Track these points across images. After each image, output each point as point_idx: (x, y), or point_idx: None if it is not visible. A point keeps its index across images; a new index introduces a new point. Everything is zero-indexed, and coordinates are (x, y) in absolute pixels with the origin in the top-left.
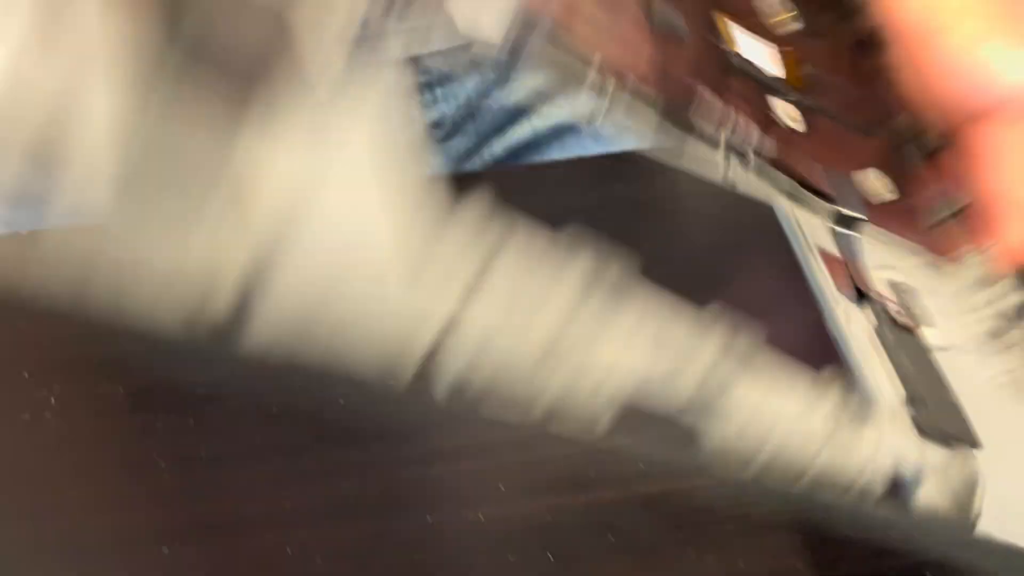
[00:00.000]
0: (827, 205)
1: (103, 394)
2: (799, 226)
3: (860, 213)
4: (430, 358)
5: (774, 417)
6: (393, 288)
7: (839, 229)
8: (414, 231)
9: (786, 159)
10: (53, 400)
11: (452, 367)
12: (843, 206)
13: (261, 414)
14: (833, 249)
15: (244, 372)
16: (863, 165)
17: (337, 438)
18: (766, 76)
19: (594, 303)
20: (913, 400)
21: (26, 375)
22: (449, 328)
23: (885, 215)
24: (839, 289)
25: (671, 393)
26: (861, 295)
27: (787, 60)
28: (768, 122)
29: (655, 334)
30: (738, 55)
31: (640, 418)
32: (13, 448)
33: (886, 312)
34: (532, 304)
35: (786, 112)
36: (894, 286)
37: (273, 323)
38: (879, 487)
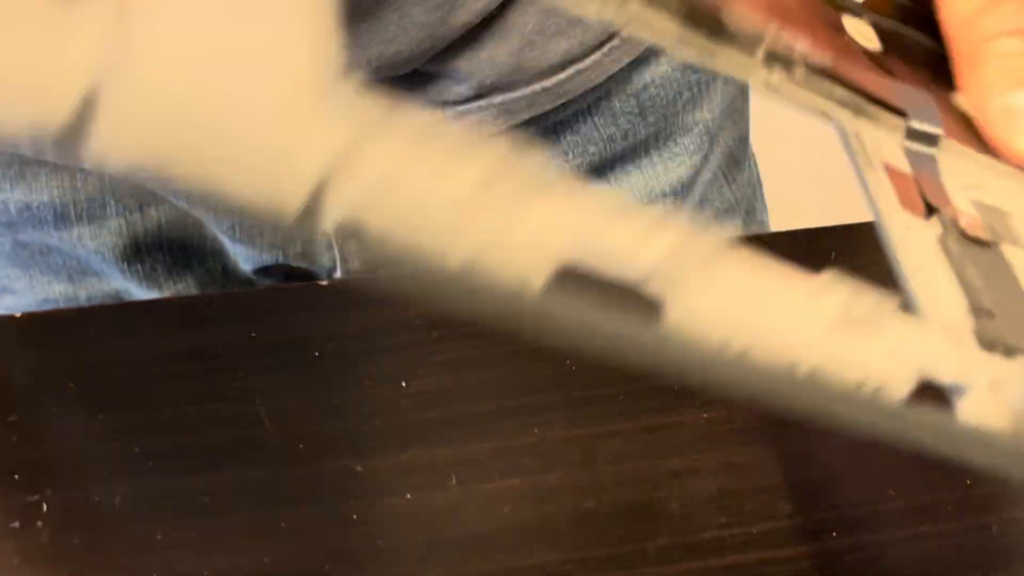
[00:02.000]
0: (897, 119)
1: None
2: (860, 140)
3: (935, 127)
4: (319, 192)
5: (757, 305)
6: (282, 107)
7: (912, 145)
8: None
9: (848, 73)
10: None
11: (344, 204)
12: (916, 120)
13: None
14: (903, 166)
15: None
16: (939, 85)
17: None
18: None
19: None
20: (977, 311)
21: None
22: (341, 164)
23: (965, 131)
24: (904, 205)
25: (627, 259)
26: (931, 210)
27: None
28: (832, 35)
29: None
30: None
31: (586, 281)
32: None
33: (955, 224)
34: (437, 164)
35: (859, 31)
36: (980, 206)
37: (126, 134)
38: (900, 392)
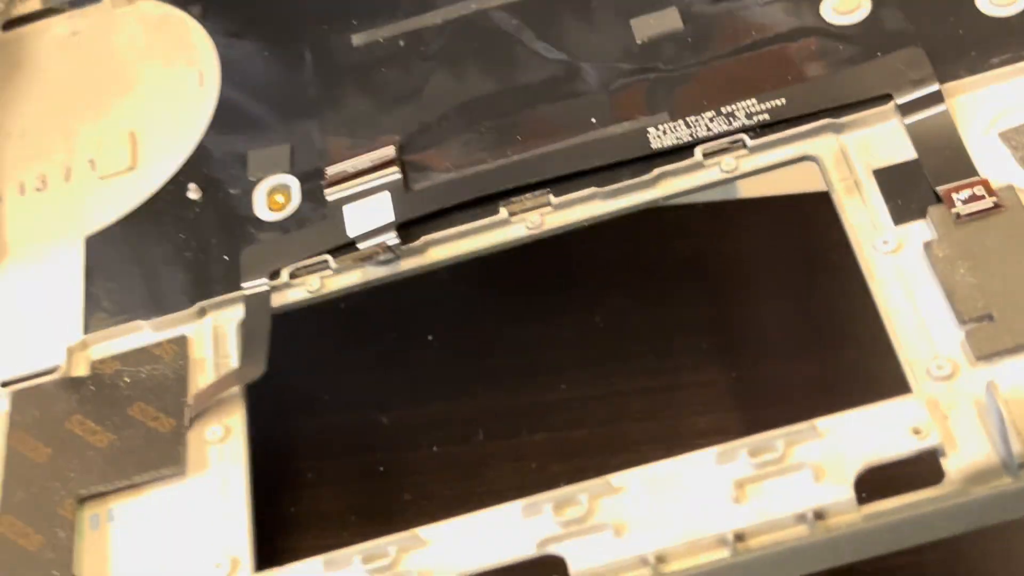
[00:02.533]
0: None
1: None
2: (846, 159)
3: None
4: None
5: None
6: None
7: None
8: None
9: None
10: None
11: None
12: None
13: None
14: (907, 153)
15: None
16: None
17: None
18: None
19: None
20: (969, 319)
21: None
22: None
23: None
24: (900, 212)
25: None
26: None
27: None
28: None
29: None
30: None
31: None
32: None
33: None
34: None
35: None
36: (1009, 136)
37: None
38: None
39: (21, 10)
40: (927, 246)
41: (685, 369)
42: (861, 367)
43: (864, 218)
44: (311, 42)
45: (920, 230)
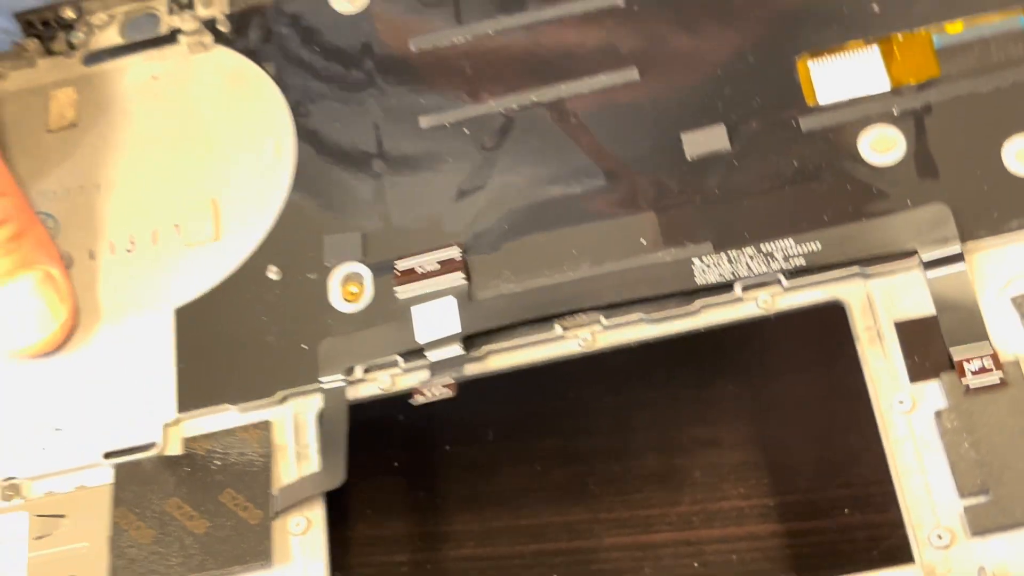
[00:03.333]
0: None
1: None
2: (872, 307)
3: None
4: None
5: None
6: None
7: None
8: None
9: None
10: None
11: None
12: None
13: None
14: (928, 308)
15: None
16: None
17: None
18: None
19: None
20: (970, 492)
21: None
22: None
23: None
24: (916, 370)
25: None
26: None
27: None
28: None
29: None
30: None
31: None
32: None
33: (960, 384)
34: None
35: None
36: (1019, 302)
37: None
38: None
39: (101, 41)
40: (938, 415)
41: (687, 384)
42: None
43: (884, 372)
44: (381, 118)
45: (934, 393)
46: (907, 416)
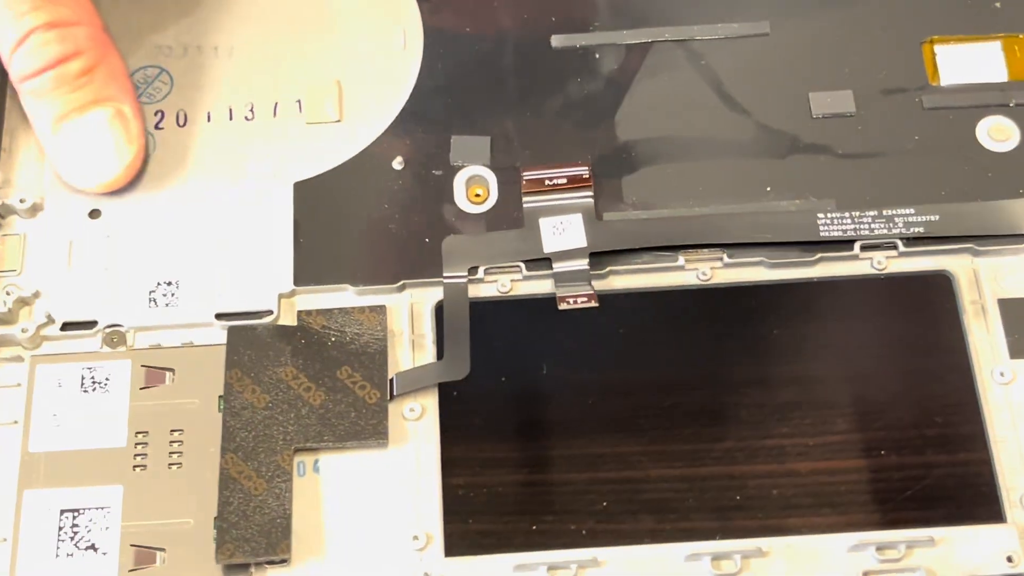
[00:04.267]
0: None
1: None
2: (977, 282)
3: None
4: None
5: None
6: None
7: None
8: None
9: None
10: None
11: None
12: None
13: None
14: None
15: None
16: None
17: None
18: None
19: None
20: None
21: None
22: None
23: None
24: (1016, 346)
25: None
26: None
27: None
28: None
29: None
30: None
31: None
32: None
33: None
34: None
35: None
36: None
37: None
38: None
39: None
40: None
41: (734, 322)
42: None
43: (986, 345)
44: (511, 31)
45: None
46: (1006, 388)
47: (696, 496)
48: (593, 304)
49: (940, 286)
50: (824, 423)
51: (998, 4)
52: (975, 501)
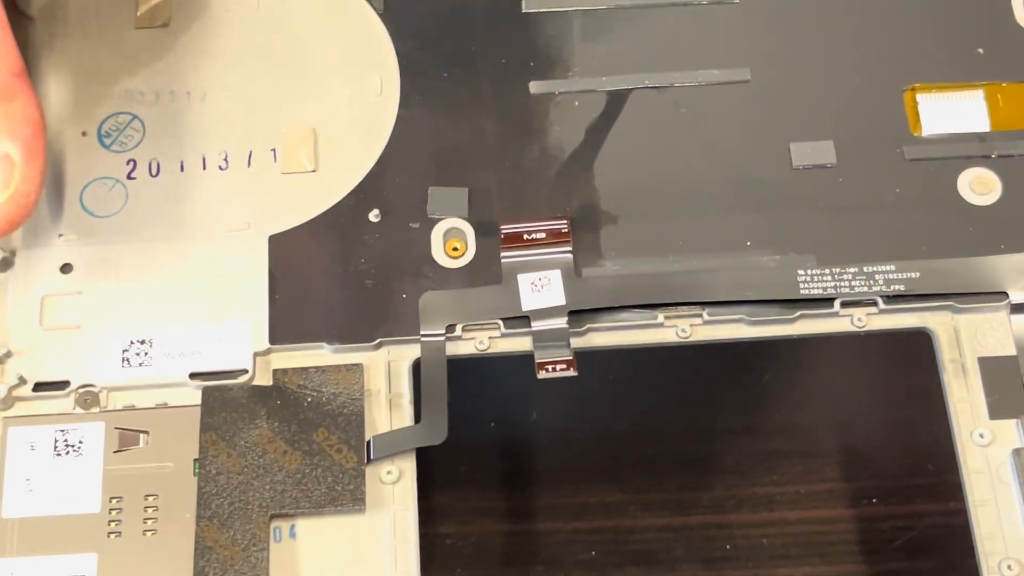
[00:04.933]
0: None
1: None
2: (958, 340)
3: None
4: None
5: None
6: None
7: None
8: None
9: None
10: None
11: None
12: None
13: None
14: (1011, 348)
15: None
16: None
17: None
18: None
19: None
20: None
21: None
22: None
23: None
24: (996, 407)
25: None
26: None
27: None
28: None
29: None
30: None
31: None
32: None
33: None
34: None
35: None
36: None
37: None
38: None
39: None
40: (1015, 453)
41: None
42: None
43: (966, 405)
44: (490, 75)
45: (1012, 431)
46: (985, 449)
47: (684, 545)
48: (572, 372)
49: (921, 343)
50: (813, 471)
51: (981, 51)
52: (966, 552)
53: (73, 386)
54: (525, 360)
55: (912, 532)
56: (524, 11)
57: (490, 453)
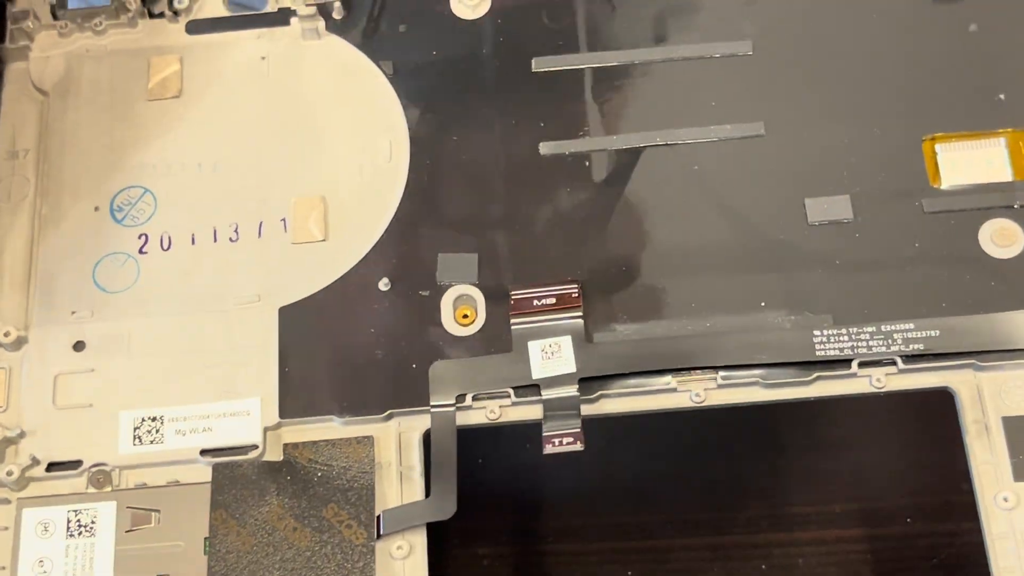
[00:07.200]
0: None
1: None
2: (981, 399)
3: None
4: None
5: None
6: None
7: None
8: None
9: None
10: None
11: None
12: None
13: None
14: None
15: None
16: None
17: None
18: None
19: None
20: None
21: None
22: None
23: None
24: (1020, 467)
25: None
26: None
27: None
28: None
29: None
30: None
31: None
32: None
33: None
34: None
35: None
36: None
37: None
38: None
39: (205, 10)
40: None
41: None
42: None
43: (990, 466)
44: (499, 137)
45: None
46: (1009, 513)
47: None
48: (578, 447)
49: (943, 401)
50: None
51: (1002, 96)
52: None
53: (86, 465)
54: (535, 429)
55: (950, 549)
56: (534, 71)
57: (526, 475)
